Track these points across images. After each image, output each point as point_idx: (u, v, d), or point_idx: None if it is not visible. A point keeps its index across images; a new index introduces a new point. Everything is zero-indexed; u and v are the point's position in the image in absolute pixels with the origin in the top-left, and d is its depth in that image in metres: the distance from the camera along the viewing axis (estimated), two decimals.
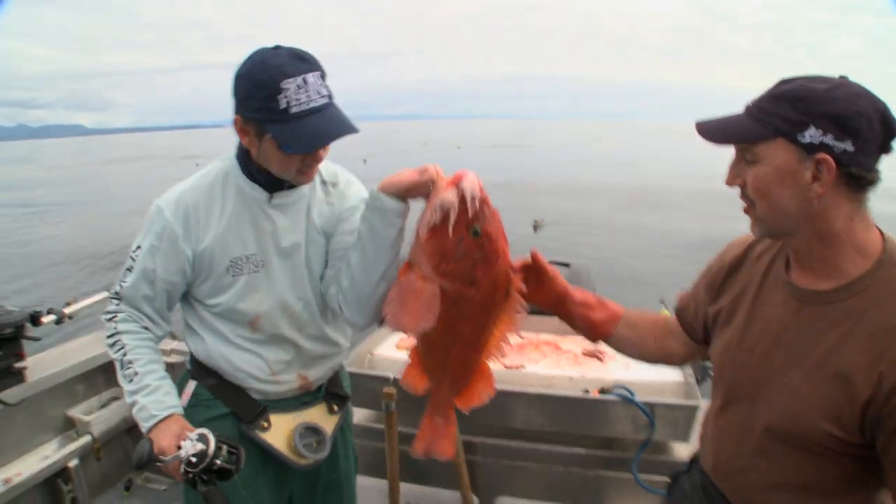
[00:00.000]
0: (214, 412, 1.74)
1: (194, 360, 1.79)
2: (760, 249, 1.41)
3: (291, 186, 1.67)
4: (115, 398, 3.24)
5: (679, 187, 26.43)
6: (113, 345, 1.66)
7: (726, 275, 1.46)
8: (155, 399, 1.59)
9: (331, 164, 1.76)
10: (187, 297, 1.74)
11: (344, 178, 1.78)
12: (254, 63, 1.47)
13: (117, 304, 1.69)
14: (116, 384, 3.23)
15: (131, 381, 1.61)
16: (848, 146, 1.10)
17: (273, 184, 1.64)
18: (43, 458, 2.86)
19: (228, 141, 1.68)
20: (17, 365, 2.82)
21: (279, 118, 1.45)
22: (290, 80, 1.43)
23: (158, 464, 1.50)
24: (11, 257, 16.00)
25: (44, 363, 3.03)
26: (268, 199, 1.66)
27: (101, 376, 3.28)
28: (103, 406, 3.20)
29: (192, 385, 1.78)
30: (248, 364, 1.73)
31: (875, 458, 1.16)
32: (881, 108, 1.12)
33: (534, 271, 1.53)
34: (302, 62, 1.46)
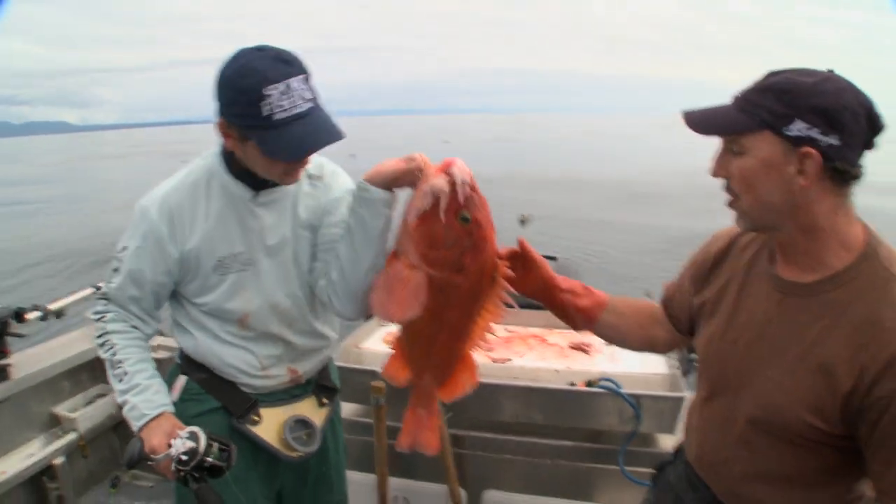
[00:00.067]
0: (205, 406, 1.74)
1: (183, 355, 1.79)
2: (745, 241, 1.42)
3: (277, 184, 1.66)
4: (101, 395, 3.22)
5: (666, 182, 26.50)
6: (102, 345, 1.65)
7: (711, 266, 1.47)
8: (145, 398, 1.59)
9: (316, 155, 1.75)
10: (176, 295, 1.73)
11: (329, 169, 1.77)
12: (236, 67, 1.42)
13: (105, 305, 1.69)
14: (102, 381, 3.24)
15: (121, 380, 1.61)
16: (833, 140, 1.11)
17: (258, 182, 1.62)
18: (28, 456, 2.83)
19: (215, 137, 1.64)
20: (2, 362, 2.80)
21: (262, 125, 1.41)
22: (274, 86, 1.38)
23: (150, 462, 1.51)
24: None
25: (29, 360, 3.00)
26: (253, 197, 1.65)
27: (87, 373, 3.25)
28: (89, 403, 3.17)
29: (181, 380, 1.77)
30: (238, 360, 1.73)
31: (857, 449, 1.18)
32: (867, 104, 1.13)
33: (521, 259, 1.54)
34: (286, 66, 1.42)
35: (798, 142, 1.12)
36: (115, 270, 1.65)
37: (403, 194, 1.43)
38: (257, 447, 1.74)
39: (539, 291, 1.59)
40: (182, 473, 1.46)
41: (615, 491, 2.59)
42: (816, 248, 1.21)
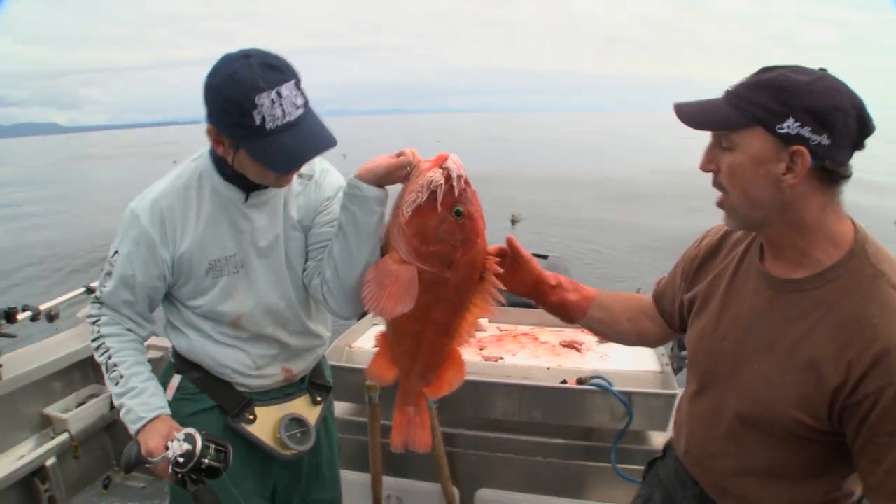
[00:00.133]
0: (200, 405, 1.74)
1: (177, 354, 1.79)
2: (736, 238, 1.43)
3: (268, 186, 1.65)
4: (93, 395, 3.21)
5: (660, 181, 26.55)
6: (98, 348, 1.65)
7: (701, 262, 1.48)
8: (141, 401, 1.58)
9: None
10: (169, 297, 1.73)
11: (320, 168, 1.76)
12: (224, 76, 1.39)
13: (99, 309, 1.69)
14: (94, 382, 3.24)
15: (117, 383, 1.61)
16: (824, 140, 1.11)
17: (249, 184, 1.60)
18: (19, 458, 2.82)
19: (204, 138, 1.62)
20: None
21: (254, 134, 1.39)
22: (264, 94, 1.36)
23: (147, 465, 1.51)
24: None
25: (19, 361, 2.98)
26: (244, 200, 1.64)
27: (78, 373, 3.24)
28: (81, 404, 3.15)
29: (176, 379, 1.77)
30: (232, 360, 1.73)
31: (843, 444, 1.19)
32: (858, 105, 1.13)
33: (509, 257, 1.54)
34: (275, 73, 1.39)
35: (789, 139, 1.12)
36: (108, 274, 1.65)
37: (393, 190, 1.43)
38: (252, 446, 1.75)
39: (528, 288, 1.60)
40: (180, 475, 1.46)
41: (607, 488, 2.60)
42: (805, 244, 1.21)
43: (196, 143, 1.69)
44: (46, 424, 3.06)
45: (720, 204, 1.27)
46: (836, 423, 1.17)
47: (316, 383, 1.92)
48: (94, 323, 1.68)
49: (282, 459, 1.79)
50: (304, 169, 1.73)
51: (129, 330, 1.68)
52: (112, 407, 3.10)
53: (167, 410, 1.61)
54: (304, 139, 1.43)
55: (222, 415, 1.74)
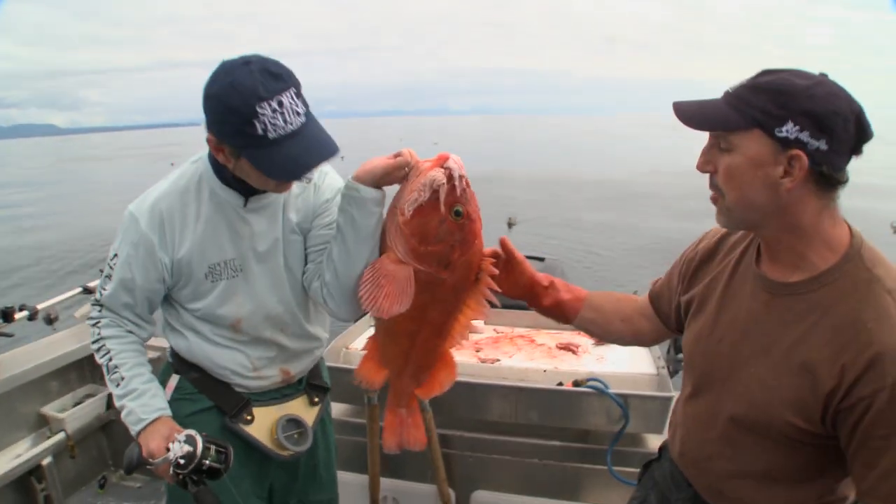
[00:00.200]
0: (198, 405, 1.75)
1: (175, 355, 1.79)
2: (733, 240, 1.43)
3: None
4: (90, 395, 3.20)
5: (659, 182, 26.56)
6: (99, 350, 1.66)
7: (699, 265, 1.48)
8: (142, 403, 1.59)
9: None
10: (168, 299, 1.73)
11: (319, 170, 1.74)
12: (224, 84, 1.37)
13: (99, 311, 1.69)
14: (90, 381, 3.24)
15: (118, 385, 1.61)
16: (822, 145, 1.11)
17: (248, 188, 1.60)
18: (15, 457, 2.81)
19: (203, 141, 1.60)
20: None
21: (256, 144, 1.38)
22: (265, 103, 1.34)
23: (148, 466, 1.51)
24: None
25: (16, 360, 2.98)
26: (243, 204, 1.63)
27: (75, 373, 3.24)
28: (77, 403, 3.15)
29: (174, 379, 1.77)
30: (231, 361, 1.73)
31: (838, 448, 1.19)
32: (857, 110, 1.13)
33: (503, 259, 1.54)
34: (275, 81, 1.37)
35: (787, 143, 1.13)
36: (108, 277, 1.65)
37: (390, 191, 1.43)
38: (249, 446, 1.75)
39: (521, 290, 1.61)
40: (181, 476, 1.47)
41: (603, 490, 2.60)
42: (801, 247, 1.22)
43: (196, 146, 1.69)
44: (43, 424, 3.05)
45: (714, 200, 1.27)
46: (830, 426, 1.17)
47: (313, 384, 1.92)
48: (94, 325, 1.68)
49: (279, 460, 1.79)
50: None
51: (130, 332, 1.69)
52: (108, 406, 3.11)
53: (168, 412, 1.61)
54: (307, 148, 1.42)
55: (220, 415, 1.74)
